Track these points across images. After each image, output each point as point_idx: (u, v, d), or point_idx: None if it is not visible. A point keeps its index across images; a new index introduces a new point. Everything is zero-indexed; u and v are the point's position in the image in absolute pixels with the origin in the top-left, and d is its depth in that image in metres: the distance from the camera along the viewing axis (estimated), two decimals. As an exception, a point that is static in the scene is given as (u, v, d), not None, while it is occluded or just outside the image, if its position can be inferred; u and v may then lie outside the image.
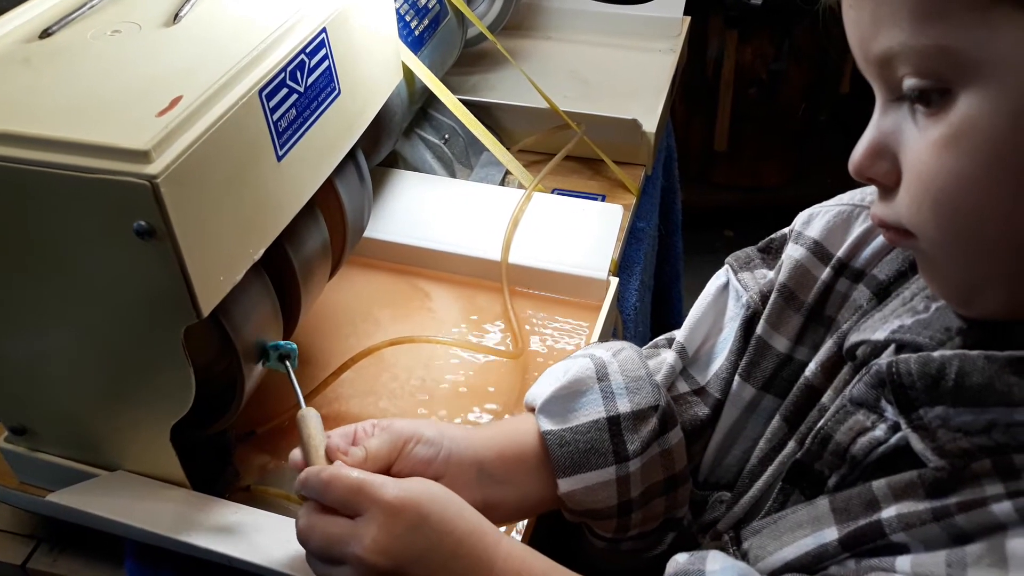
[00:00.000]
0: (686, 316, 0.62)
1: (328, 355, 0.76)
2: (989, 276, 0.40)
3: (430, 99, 0.92)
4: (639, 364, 0.58)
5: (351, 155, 0.67)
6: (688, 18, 1.20)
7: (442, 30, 0.91)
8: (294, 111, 0.55)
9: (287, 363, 0.58)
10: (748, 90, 2.15)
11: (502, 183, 0.94)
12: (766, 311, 0.56)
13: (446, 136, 0.92)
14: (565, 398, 0.56)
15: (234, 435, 0.67)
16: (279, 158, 0.55)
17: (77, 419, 0.59)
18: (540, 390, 0.58)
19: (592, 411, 0.55)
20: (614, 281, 0.79)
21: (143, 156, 0.45)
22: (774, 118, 2.20)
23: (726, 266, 0.62)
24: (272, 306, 0.59)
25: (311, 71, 0.57)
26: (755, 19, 2.01)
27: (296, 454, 0.52)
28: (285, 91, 0.54)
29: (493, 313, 0.80)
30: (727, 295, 0.61)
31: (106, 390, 0.57)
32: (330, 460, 0.50)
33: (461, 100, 0.86)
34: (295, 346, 0.58)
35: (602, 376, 0.57)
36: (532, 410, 0.58)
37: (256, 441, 0.69)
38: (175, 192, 0.46)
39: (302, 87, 0.56)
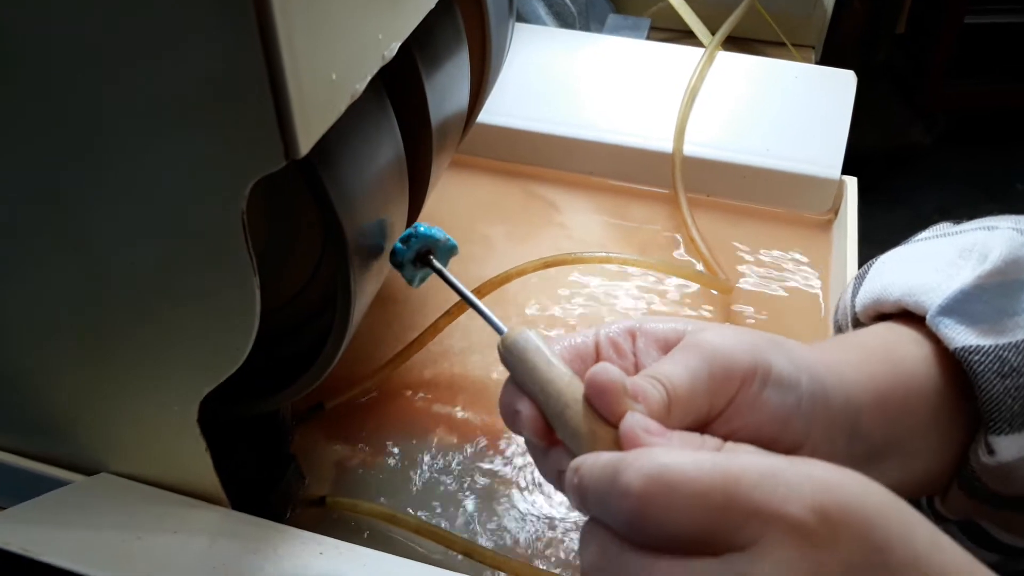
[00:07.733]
0: None
1: (423, 290, 0.49)
2: None
3: (539, -63, 0.65)
4: None
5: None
6: None
7: None
8: None
9: (434, 260, 0.31)
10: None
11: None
12: None
13: (565, -14, 0.65)
14: (996, 292, 0.32)
15: (290, 413, 0.40)
16: None
17: (35, 380, 0.32)
18: (925, 279, 0.33)
19: None
20: (851, 182, 0.52)
21: None
22: (829, 58, 1.96)
23: None
24: (399, 164, 0.31)
25: None
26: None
27: (523, 409, 0.26)
28: None
29: (658, 233, 0.53)
30: None
31: (91, 320, 0.29)
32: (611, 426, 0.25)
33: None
34: (447, 237, 0.31)
35: None
36: (885, 317, 0.34)
37: (324, 422, 0.43)
38: None
39: None
